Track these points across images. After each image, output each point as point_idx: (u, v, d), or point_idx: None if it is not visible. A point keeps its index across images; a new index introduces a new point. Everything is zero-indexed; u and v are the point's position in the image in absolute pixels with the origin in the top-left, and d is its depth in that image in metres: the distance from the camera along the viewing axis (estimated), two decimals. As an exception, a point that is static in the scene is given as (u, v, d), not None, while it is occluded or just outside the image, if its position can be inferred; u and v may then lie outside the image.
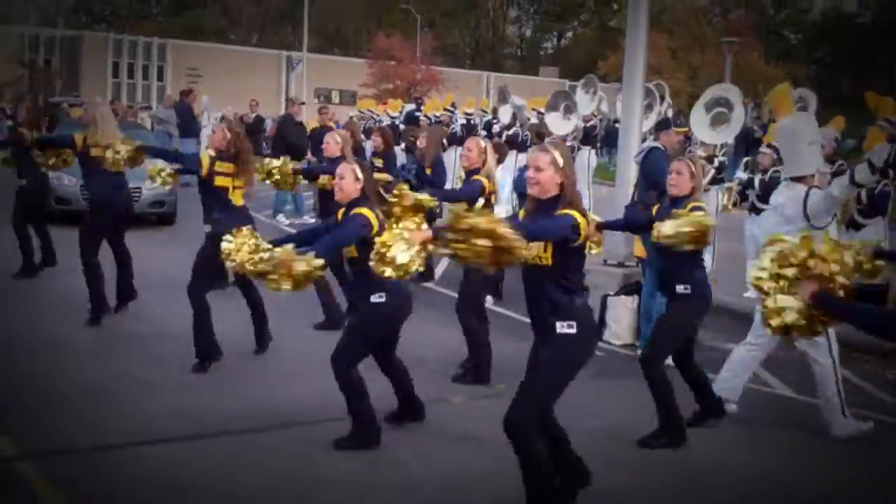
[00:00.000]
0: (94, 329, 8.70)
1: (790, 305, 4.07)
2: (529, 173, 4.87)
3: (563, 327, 4.84)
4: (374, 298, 5.88)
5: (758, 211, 11.43)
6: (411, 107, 25.08)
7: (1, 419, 6.30)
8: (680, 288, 6.49)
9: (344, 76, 62.31)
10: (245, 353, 7.90)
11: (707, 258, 7.86)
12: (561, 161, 4.84)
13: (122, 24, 70.40)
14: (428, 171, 11.29)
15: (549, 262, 4.77)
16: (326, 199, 9.20)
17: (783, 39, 69.44)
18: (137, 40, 61.71)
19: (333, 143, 9.23)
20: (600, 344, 9.05)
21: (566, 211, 4.76)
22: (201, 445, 6.08)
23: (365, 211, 5.89)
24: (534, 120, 19.76)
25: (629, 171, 10.08)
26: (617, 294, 9.40)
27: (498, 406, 6.49)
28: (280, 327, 8.45)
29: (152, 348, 8.05)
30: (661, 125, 9.61)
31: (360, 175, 6.02)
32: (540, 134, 15.74)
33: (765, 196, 11.36)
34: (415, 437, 6.23)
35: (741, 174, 12.13)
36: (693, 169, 6.53)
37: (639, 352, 8.07)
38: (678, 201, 6.44)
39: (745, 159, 13.15)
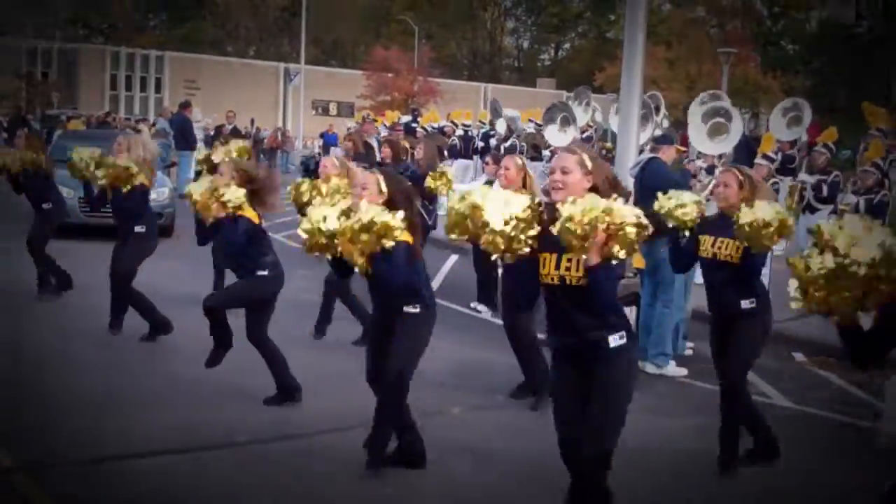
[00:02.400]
0: (94, 342, 8.69)
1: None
2: (554, 176, 4.38)
3: (616, 340, 4.36)
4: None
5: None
6: (408, 118, 25.15)
7: (1, 431, 6.29)
8: (745, 304, 5.94)
9: (341, 88, 62.47)
10: (244, 367, 7.88)
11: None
12: (589, 163, 4.39)
13: (120, 37, 70.46)
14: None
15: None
16: None
17: (780, 50, 69.53)
18: (135, 52, 61.85)
19: (331, 167, 8.87)
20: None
21: None
22: (202, 458, 6.07)
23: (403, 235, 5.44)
24: (530, 130, 19.81)
25: (626, 183, 10.07)
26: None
27: (496, 417, 6.52)
28: (280, 341, 8.42)
29: (152, 361, 8.03)
30: (663, 139, 9.60)
31: (384, 186, 5.55)
32: (536, 145, 15.80)
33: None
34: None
35: None
36: (741, 178, 6.00)
37: (644, 364, 8.04)
38: (726, 217, 5.98)
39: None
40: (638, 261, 9.03)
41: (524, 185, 7.53)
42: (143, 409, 6.90)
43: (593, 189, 4.33)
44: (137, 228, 8.69)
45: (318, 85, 60.32)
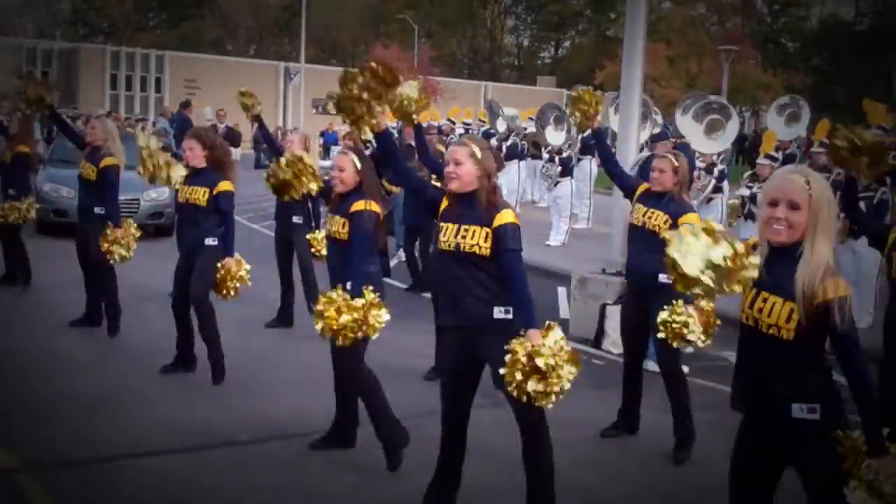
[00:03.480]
0: (92, 341, 8.70)
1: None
2: (448, 168, 4.87)
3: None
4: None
5: (754, 218, 11.45)
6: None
7: (1, 431, 6.29)
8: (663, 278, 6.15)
9: (341, 86, 62.30)
10: (243, 365, 7.88)
11: None
12: (479, 153, 4.84)
13: (120, 36, 70.46)
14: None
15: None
16: None
17: (780, 47, 69.50)
18: (135, 52, 61.76)
19: (298, 143, 9.05)
20: (599, 353, 9.06)
21: None
22: (200, 457, 6.07)
23: (369, 205, 5.85)
24: (531, 129, 19.82)
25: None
26: (615, 303, 9.40)
27: (497, 415, 6.50)
28: (277, 339, 8.45)
29: (150, 360, 8.03)
30: (659, 136, 9.64)
31: (359, 165, 5.97)
32: (536, 143, 15.80)
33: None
34: (415, 448, 6.22)
35: (744, 190, 12.14)
36: (675, 164, 6.51)
37: (646, 363, 8.03)
38: (659, 196, 6.49)
39: (747, 173, 13.18)
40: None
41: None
42: (143, 408, 6.90)
43: (480, 178, 4.81)
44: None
45: (319, 84, 60.08)
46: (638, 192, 6.71)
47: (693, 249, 3.45)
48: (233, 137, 22.36)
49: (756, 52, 56.19)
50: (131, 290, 9.49)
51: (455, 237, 4.83)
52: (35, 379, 7.52)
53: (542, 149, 17.95)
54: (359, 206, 5.81)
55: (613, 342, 9.28)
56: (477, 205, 4.82)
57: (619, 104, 14.44)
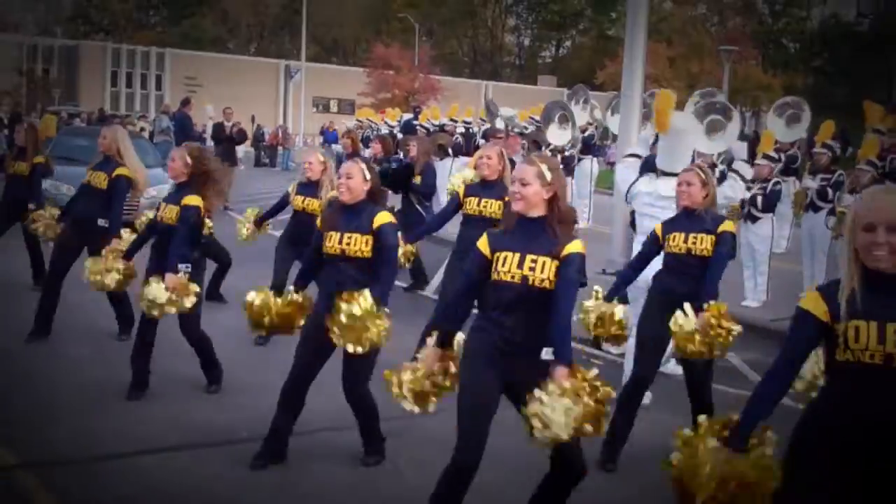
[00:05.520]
0: (94, 340, 8.69)
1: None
2: (514, 187, 4.49)
3: None
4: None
5: (754, 219, 11.45)
6: (409, 116, 25.10)
7: (1, 429, 6.29)
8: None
9: (342, 85, 62.44)
10: (244, 364, 7.88)
11: None
12: (549, 175, 4.46)
13: (121, 34, 70.49)
14: (417, 180, 11.36)
15: None
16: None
17: (781, 48, 69.54)
18: (136, 49, 61.82)
19: (317, 164, 8.66)
20: (598, 353, 9.05)
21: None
22: (201, 455, 6.08)
23: (389, 218, 5.72)
24: (531, 129, 19.81)
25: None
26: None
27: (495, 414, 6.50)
28: (276, 337, 8.40)
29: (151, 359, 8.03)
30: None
31: (369, 175, 5.74)
32: (536, 142, 15.79)
33: (765, 206, 11.40)
34: (411, 447, 6.23)
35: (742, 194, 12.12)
36: (703, 177, 6.22)
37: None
38: (691, 213, 6.20)
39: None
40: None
41: (503, 174, 7.75)
42: (142, 405, 6.91)
43: (552, 199, 4.43)
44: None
45: (319, 82, 60.30)
46: (660, 229, 6.36)
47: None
48: (242, 136, 22.25)
49: (757, 52, 56.19)
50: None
51: (519, 268, 4.37)
52: (35, 377, 7.51)
53: (543, 148, 17.93)
54: (383, 218, 5.65)
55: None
56: (546, 231, 4.44)
57: (613, 104, 14.53)
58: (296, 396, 5.87)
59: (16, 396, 7.01)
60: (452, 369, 4.68)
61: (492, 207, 7.76)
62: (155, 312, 6.70)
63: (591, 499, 5.31)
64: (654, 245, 6.41)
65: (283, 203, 9.20)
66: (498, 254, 4.44)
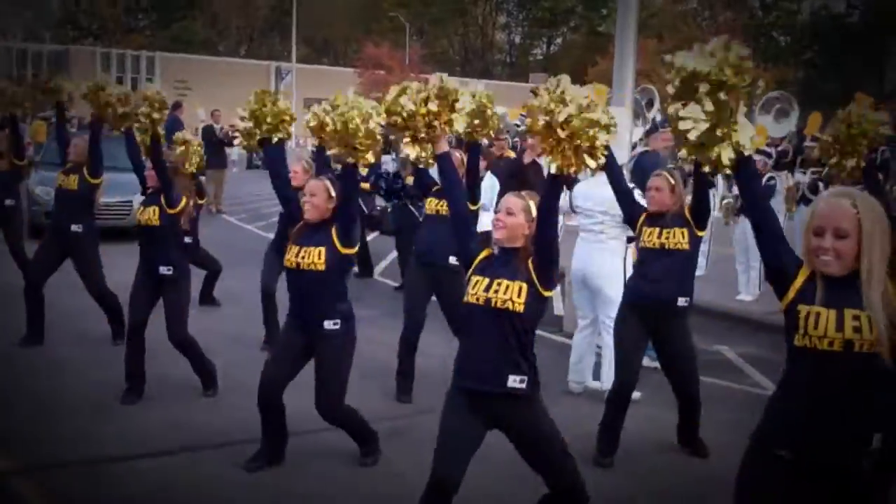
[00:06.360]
0: (88, 344, 8.68)
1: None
2: (499, 215, 4.51)
3: None
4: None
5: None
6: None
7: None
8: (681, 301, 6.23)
9: (333, 85, 61.18)
10: (241, 366, 7.87)
11: (701, 260, 7.88)
12: (534, 211, 4.47)
13: (110, 38, 70.33)
14: (409, 180, 11.36)
15: None
16: None
17: (772, 41, 69.61)
18: (125, 53, 61.72)
19: (301, 172, 8.45)
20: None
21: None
22: (198, 458, 6.08)
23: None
24: (523, 127, 19.81)
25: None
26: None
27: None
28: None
29: (147, 362, 8.01)
30: (649, 130, 9.64)
31: (334, 193, 5.72)
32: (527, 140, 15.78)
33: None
34: (410, 448, 6.23)
35: (736, 189, 12.14)
36: (672, 182, 6.32)
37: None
38: (658, 217, 6.27)
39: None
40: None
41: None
42: (138, 409, 6.92)
43: (528, 238, 4.45)
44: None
45: (310, 83, 60.13)
46: (642, 219, 6.40)
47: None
48: (231, 138, 22.02)
49: (748, 46, 56.22)
50: (122, 292, 9.45)
51: (485, 291, 4.39)
52: (32, 381, 7.51)
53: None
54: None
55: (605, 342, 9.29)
56: (520, 263, 4.43)
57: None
58: (271, 399, 5.85)
59: (12, 400, 7.02)
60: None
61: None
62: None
63: (591, 495, 5.31)
64: (636, 206, 6.47)
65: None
66: (473, 277, 4.48)
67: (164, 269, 7.05)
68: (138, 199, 12.57)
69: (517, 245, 4.48)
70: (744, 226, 11.64)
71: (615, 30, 10.34)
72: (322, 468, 5.92)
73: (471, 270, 4.52)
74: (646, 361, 8.45)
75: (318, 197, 5.65)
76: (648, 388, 7.43)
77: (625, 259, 7.71)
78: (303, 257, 5.59)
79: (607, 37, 60.66)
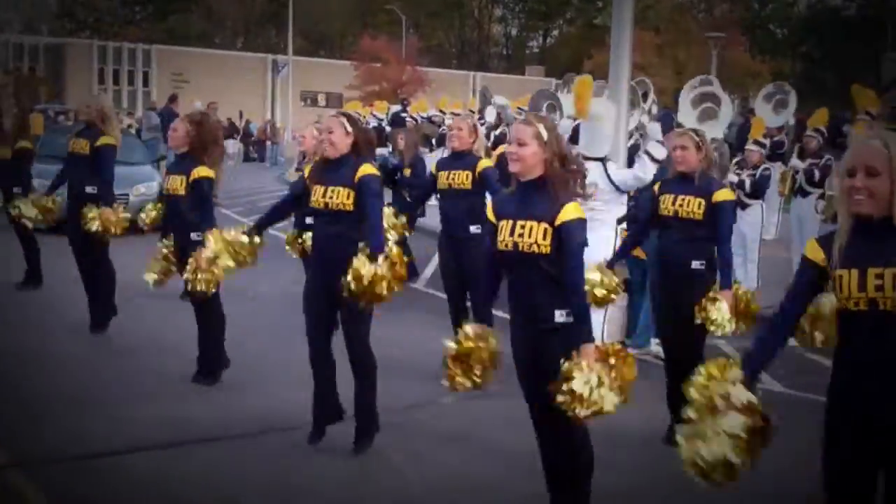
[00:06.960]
0: (83, 338, 8.67)
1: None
2: (510, 148, 4.44)
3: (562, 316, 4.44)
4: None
5: (743, 206, 11.46)
6: (397, 108, 25.08)
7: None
8: (696, 264, 6.24)
9: (330, 78, 62.20)
10: (237, 361, 7.86)
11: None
12: (546, 135, 4.39)
13: (106, 31, 70.14)
14: (407, 172, 11.34)
15: None
16: None
17: (769, 34, 69.54)
18: (122, 46, 61.48)
19: (310, 137, 8.74)
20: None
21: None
22: (192, 452, 6.06)
23: (371, 169, 5.70)
24: (520, 118, 19.70)
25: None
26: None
27: (487, 406, 6.52)
28: (269, 334, 8.40)
29: (142, 356, 8.02)
30: (665, 124, 9.67)
31: (350, 128, 5.69)
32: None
33: (755, 193, 11.42)
34: (406, 440, 6.23)
35: (732, 177, 12.13)
36: (696, 139, 6.13)
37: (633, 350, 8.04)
38: (683, 178, 6.15)
39: (735, 160, 13.21)
40: (638, 251, 9.03)
41: (472, 146, 7.80)
42: (134, 403, 6.89)
43: (548, 162, 4.36)
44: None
45: (307, 76, 60.06)
46: (657, 187, 6.37)
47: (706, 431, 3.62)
48: (228, 131, 22.24)
49: (745, 38, 56.18)
50: (121, 286, 9.45)
51: (511, 235, 4.39)
52: (27, 376, 7.49)
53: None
54: (366, 170, 5.62)
55: (607, 332, 9.29)
56: (543, 193, 4.37)
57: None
58: (322, 360, 5.94)
59: (5, 395, 6.99)
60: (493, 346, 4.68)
61: (459, 179, 7.72)
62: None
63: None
64: (651, 202, 6.44)
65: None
66: (499, 222, 4.47)
67: (194, 236, 7.06)
68: (136, 189, 12.56)
69: (536, 175, 4.41)
70: (739, 219, 11.62)
71: (611, 22, 10.33)
72: (319, 462, 5.90)
73: (496, 217, 4.51)
74: (656, 349, 8.45)
75: (335, 133, 5.65)
76: (648, 382, 7.42)
77: (615, 241, 7.89)
78: (331, 197, 5.62)
79: (603, 29, 60.56)
